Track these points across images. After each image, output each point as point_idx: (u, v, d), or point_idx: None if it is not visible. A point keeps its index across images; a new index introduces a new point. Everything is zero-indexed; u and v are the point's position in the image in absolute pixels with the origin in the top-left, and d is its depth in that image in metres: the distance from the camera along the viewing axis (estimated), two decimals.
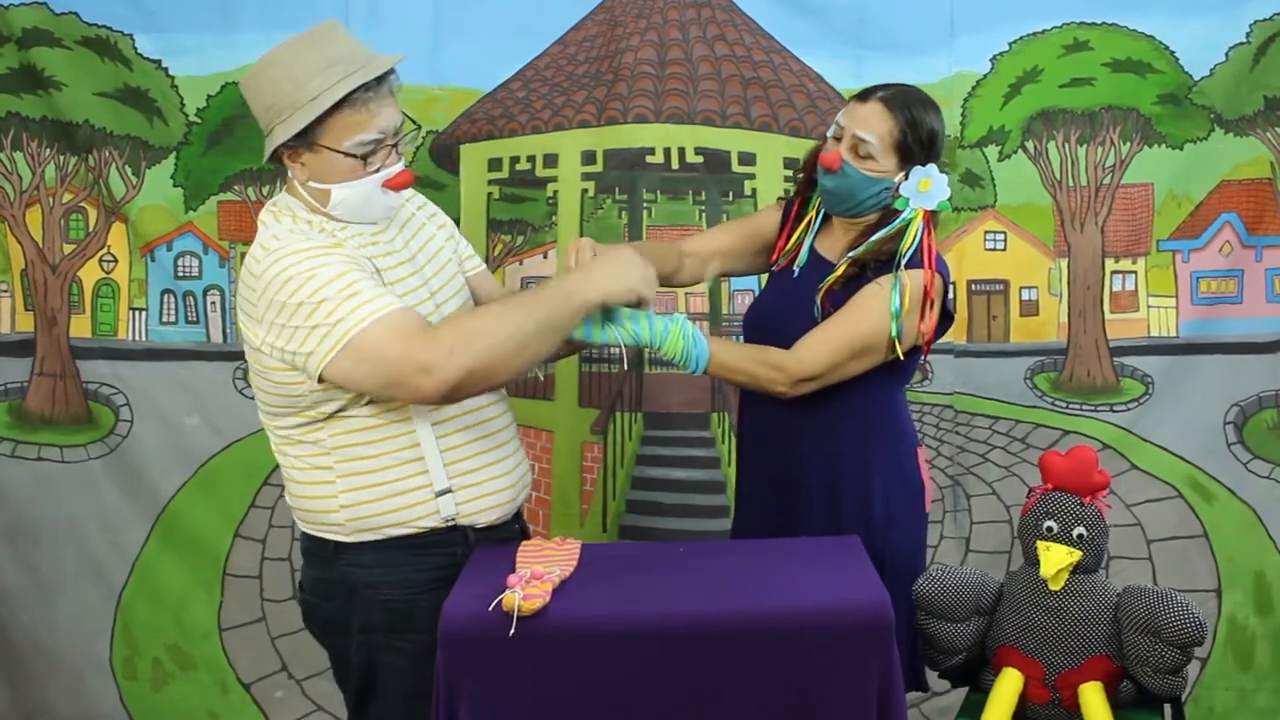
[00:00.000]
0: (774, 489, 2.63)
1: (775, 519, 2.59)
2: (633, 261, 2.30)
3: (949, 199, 2.54)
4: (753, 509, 2.70)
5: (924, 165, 2.53)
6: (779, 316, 2.61)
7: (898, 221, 2.52)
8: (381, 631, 2.35)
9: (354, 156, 2.24)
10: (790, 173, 2.85)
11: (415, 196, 2.54)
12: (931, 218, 2.54)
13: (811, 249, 2.66)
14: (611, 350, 2.36)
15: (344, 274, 2.17)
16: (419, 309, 2.30)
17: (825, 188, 2.57)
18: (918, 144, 2.52)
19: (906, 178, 2.53)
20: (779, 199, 2.81)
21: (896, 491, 2.60)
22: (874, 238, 2.52)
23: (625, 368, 2.51)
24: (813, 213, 2.68)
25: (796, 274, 2.65)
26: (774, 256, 2.72)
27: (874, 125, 2.51)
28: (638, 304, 2.31)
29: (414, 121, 2.36)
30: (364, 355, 2.14)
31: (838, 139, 2.55)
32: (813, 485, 2.58)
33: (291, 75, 2.21)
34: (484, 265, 2.63)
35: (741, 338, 2.77)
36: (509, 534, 2.46)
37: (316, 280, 2.16)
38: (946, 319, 2.60)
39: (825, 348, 2.47)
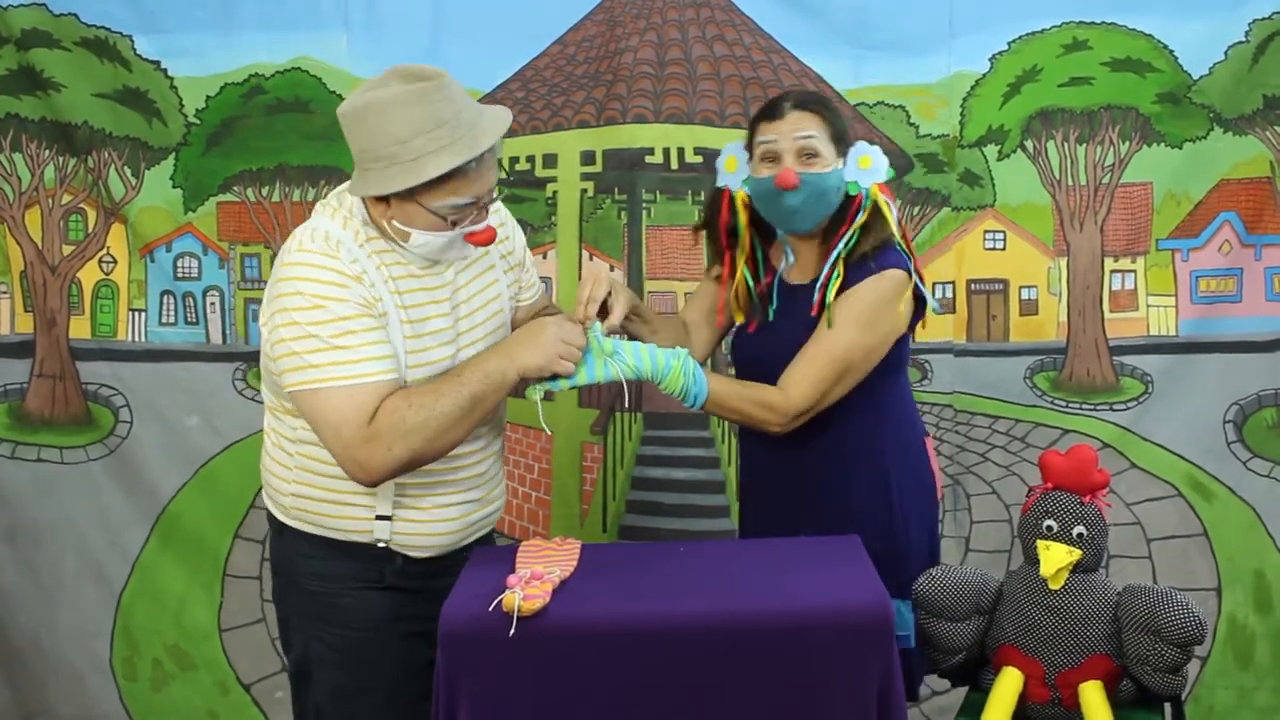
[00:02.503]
0: (782, 497, 2.63)
1: (785, 527, 2.57)
2: (544, 336, 2.28)
3: (890, 165, 2.56)
4: (761, 517, 2.69)
5: (853, 145, 2.55)
6: (766, 347, 2.60)
7: (865, 206, 2.51)
8: (310, 619, 2.41)
9: (441, 217, 2.23)
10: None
11: (496, 214, 2.44)
12: (888, 187, 2.56)
13: (780, 283, 2.64)
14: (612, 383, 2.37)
15: (346, 319, 2.20)
16: (436, 349, 2.32)
17: (791, 207, 2.52)
18: (843, 127, 2.56)
19: (844, 164, 2.54)
20: (714, 275, 2.75)
21: (911, 490, 2.62)
22: (854, 226, 2.50)
23: (628, 405, 2.53)
24: (746, 255, 2.64)
25: (775, 307, 2.64)
26: (720, 322, 2.69)
27: (809, 126, 2.51)
28: (552, 377, 2.31)
29: (506, 173, 2.34)
30: (320, 414, 2.22)
31: (771, 159, 2.52)
32: (824, 496, 2.58)
33: (392, 129, 2.14)
34: (539, 293, 2.63)
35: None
36: (453, 563, 2.39)
37: (321, 313, 2.19)
38: (920, 304, 2.59)
39: (810, 378, 2.47)
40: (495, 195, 2.33)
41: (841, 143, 2.54)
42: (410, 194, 2.19)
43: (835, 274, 2.51)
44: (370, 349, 2.21)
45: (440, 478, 2.37)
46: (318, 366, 2.19)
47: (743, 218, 2.61)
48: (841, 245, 2.51)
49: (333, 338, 2.19)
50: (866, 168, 2.53)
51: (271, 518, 2.47)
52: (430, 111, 2.14)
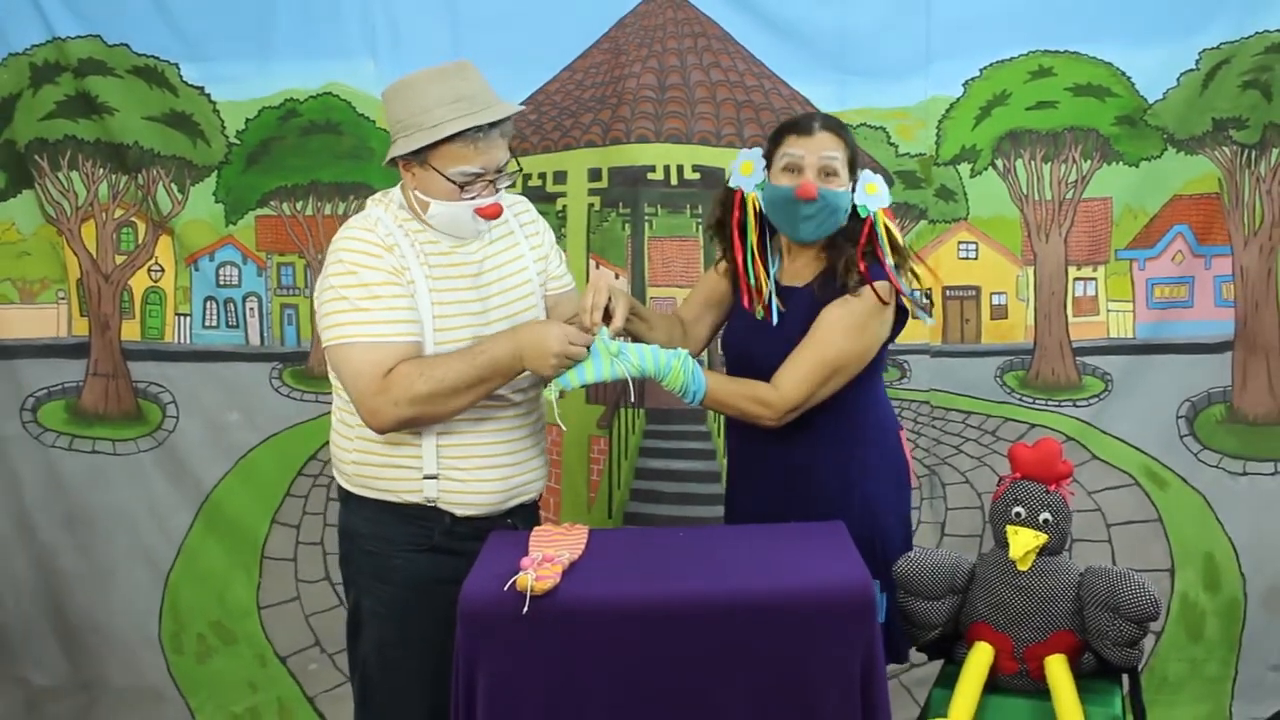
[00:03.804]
0: (767, 488, 2.62)
1: (771, 517, 2.55)
2: (547, 344, 2.31)
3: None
4: (747, 507, 2.68)
5: (860, 172, 2.55)
6: (756, 344, 2.60)
7: (878, 228, 2.52)
8: (367, 577, 2.48)
9: (453, 183, 2.33)
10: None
11: (527, 212, 2.60)
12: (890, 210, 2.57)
13: (774, 283, 2.63)
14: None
15: (372, 285, 2.32)
16: (461, 318, 2.39)
17: (805, 215, 2.51)
18: (856, 156, 2.57)
19: (854, 189, 2.54)
20: (717, 261, 2.74)
21: (886, 480, 2.62)
22: (860, 250, 2.51)
23: (632, 400, 2.58)
24: (755, 249, 2.61)
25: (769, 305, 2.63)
26: (748, 304, 2.63)
27: (833, 148, 2.51)
28: (545, 381, 2.36)
29: (518, 163, 2.41)
30: (344, 366, 2.36)
31: (793, 170, 2.51)
32: (810, 481, 2.57)
33: (420, 101, 2.31)
34: (570, 286, 2.66)
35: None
36: (500, 526, 2.48)
37: (352, 277, 2.33)
38: (903, 314, 2.59)
39: (802, 378, 2.47)
40: (509, 177, 2.40)
41: (853, 168, 2.55)
42: (428, 159, 2.32)
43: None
44: (391, 313, 2.33)
45: (476, 439, 2.43)
46: (343, 325, 2.32)
47: (752, 218, 2.60)
48: (852, 263, 2.50)
49: (360, 300, 2.32)
50: (873, 193, 2.54)
51: (340, 489, 2.55)
52: (452, 87, 2.32)
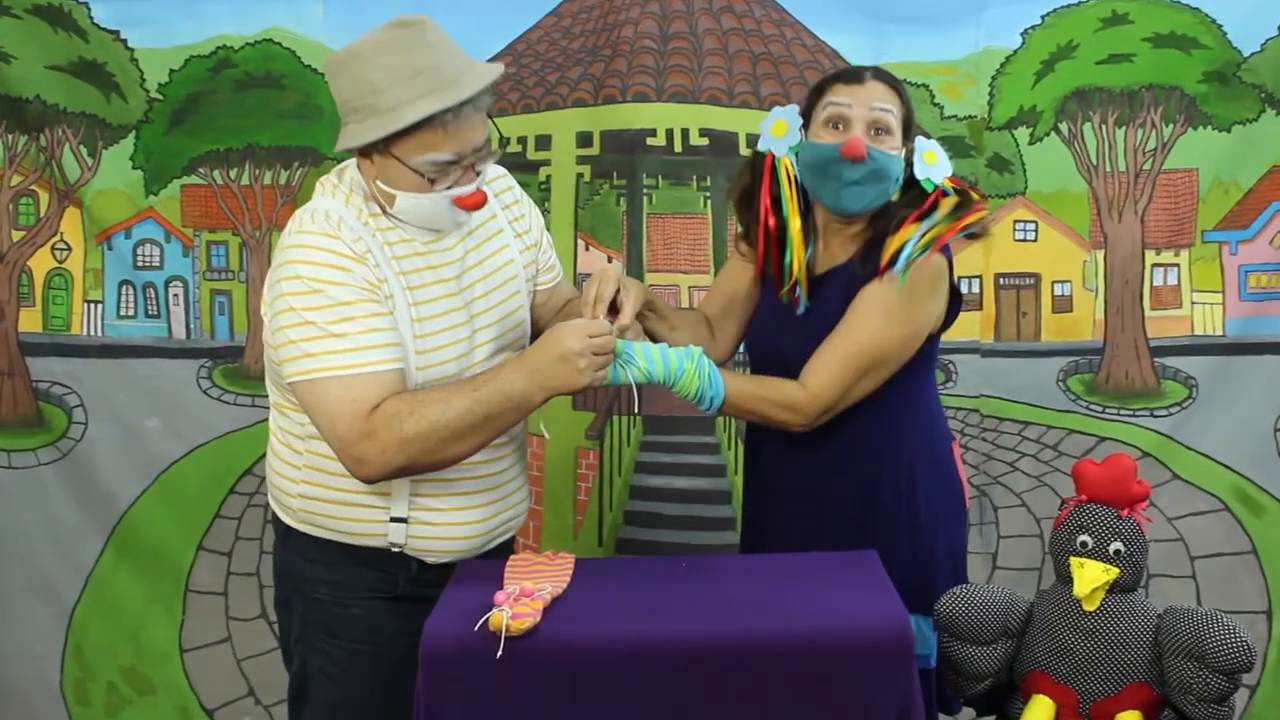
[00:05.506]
0: (795, 502, 2.62)
1: (796, 534, 2.56)
2: (574, 354, 2.23)
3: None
4: (770, 524, 2.68)
5: (914, 140, 2.54)
6: (786, 338, 2.59)
7: (951, 198, 2.50)
8: (315, 632, 2.43)
9: (421, 174, 2.25)
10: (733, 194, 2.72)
11: (509, 191, 2.53)
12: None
13: (807, 272, 2.62)
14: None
15: (345, 304, 2.23)
16: (446, 333, 2.35)
17: (850, 180, 2.49)
18: (912, 118, 2.56)
19: (910, 155, 2.53)
20: (737, 241, 2.73)
21: (935, 500, 2.62)
22: (940, 215, 2.48)
23: (637, 411, 2.53)
24: (796, 225, 2.58)
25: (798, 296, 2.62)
26: (779, 290, 2.63)
27: (886, 99, 2.50)
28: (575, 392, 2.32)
29: (501, 134, 2.35)
30: (318, 404, 2.25)
31: (837, 125, 2.49)
32: (844, 497, 2.57)
33: (371, 78, 2.19)
34: (560, 278, 2.64)
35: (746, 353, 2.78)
36: None
37: (318, 298, 2.22)
38: (957, 299, 2.58)
39: (834, 372, 2.46)
40: (490, 156, 2.34)
41: (908, 133, 2.53)
42: (389, 148, 2.23)
43: (916, 245, 2.46)
44: (370, 336, 2.24)
45: (459, 474, 2.39)
46: (314, 355, 2.22)
47: (787, 186, 2.57)
48: (935, 226, 2.47)
49: (330, 324, 2.22)
50: (932, 163, 2.52)
51: (276, 521, 2.49)
52: (408, 59, 2.18)
